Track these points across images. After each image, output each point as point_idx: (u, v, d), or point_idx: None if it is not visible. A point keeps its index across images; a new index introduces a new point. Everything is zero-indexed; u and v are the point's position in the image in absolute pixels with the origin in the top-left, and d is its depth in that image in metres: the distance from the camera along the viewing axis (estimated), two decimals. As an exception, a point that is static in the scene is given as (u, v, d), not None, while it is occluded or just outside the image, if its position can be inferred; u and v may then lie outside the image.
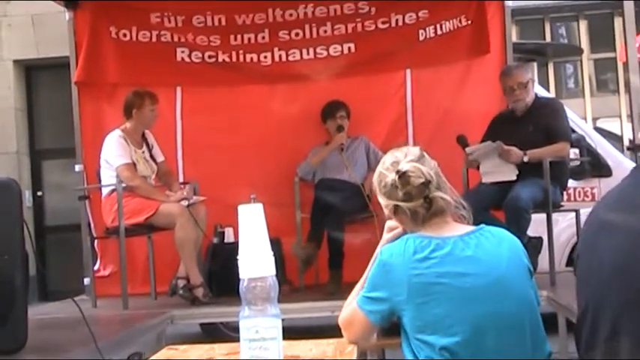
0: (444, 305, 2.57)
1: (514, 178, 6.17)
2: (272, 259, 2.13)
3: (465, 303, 2.57)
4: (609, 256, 2.19)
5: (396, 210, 2.81)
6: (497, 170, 6.28)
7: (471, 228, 2.75)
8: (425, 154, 2.85)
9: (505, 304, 2.60)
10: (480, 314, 2.57)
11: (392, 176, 2.77)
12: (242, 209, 2.14)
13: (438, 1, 7.52)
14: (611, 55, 18.12)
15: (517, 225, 5.82)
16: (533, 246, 5.98)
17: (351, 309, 2.79)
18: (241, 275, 2.11)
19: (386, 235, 2.93)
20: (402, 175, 2.74)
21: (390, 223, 2.93)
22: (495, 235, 2.73)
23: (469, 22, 7.49)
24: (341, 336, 2.84)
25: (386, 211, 2.87)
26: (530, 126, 6.30)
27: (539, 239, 6.17)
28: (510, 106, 6.54)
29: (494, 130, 6.52)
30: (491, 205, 6.15)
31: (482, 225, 2.76)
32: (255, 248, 2.12)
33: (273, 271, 2.13)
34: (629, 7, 5.87)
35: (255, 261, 2.11)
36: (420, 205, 2.74)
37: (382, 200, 2.86)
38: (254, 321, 2.09)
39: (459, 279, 2.59)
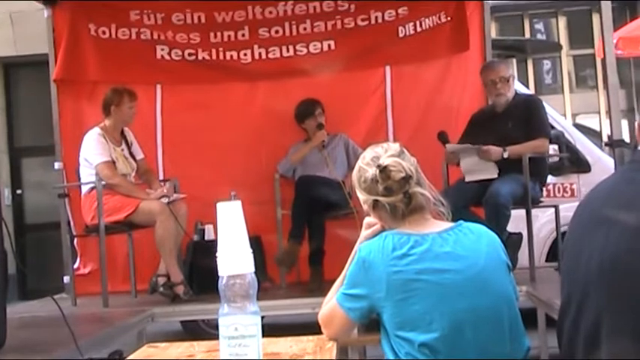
0: (424, 302, 2.58)
1: (495, 175, 6.19)
2: (251, 256, 2.13)
3: (444, 299, 2.58)
4: (597, 253, 2.19)
5: (376, 205, 2.81)
6: (478, 169, 6.29)
7: (450, 224, 2.75)
8: (405, 150, 2.85)
9: (484, 299, 2.61)
10: (459, 310, 2.58)
11: (372, 171, 2.77)
12: (220, 207, 2.14)
13: (418, -2, 7.54)
14: (589, 51, 18.19)
15: (497, 221, 5.85)
16: (512, 242, 6.00)
17: (331, 306, 2.79)
18: (220, 272, 2.12)
19: (364, 232, 2.92)
20: (383, 170, 2.75)
21: (368, 219, 2.93)
22: (474, 231, 2.74)
23: (448, 18, 7.50)
24: (321, 333, 2.85)
25: (365, 207, 2.87)
26: (509, 122, 6.33)
27: (519, 235, 6.20)
28: (491, 100, 6.57)
29: (473, 127, 6.54)
30: (471, 202, 6.17)
31: (460, 221, 2.77)
32: (234, 245, 2.12)
33: (252, 269, 2.13)
34: (606, 4, 5.90)
35: (234, 258, 2.11)
36: (399, 200, 2.74)
37: (361, 196, 2.85)
38: (233, 318, 2.09)
39: (438, 275, 2.59)
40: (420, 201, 2.76)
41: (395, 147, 2.84)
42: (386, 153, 2.80)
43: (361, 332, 4.38)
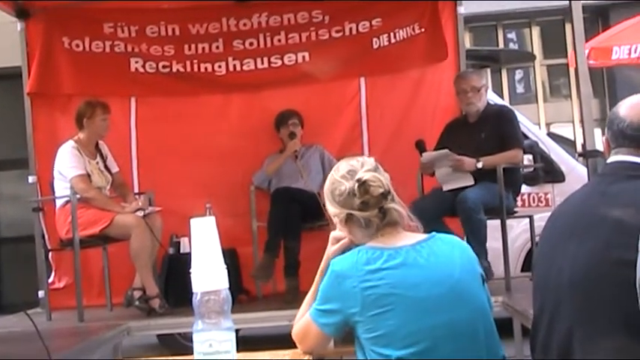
0: (399, 316, 2.57)
1: (471, 183, 6.21)
2: (225, 272, 2.13)
3: (420, 313, 2.57)
4: (568, 265, 2.20)
5: (349, 219, 2.78)
6: (453, 178, 6.32)
7: (423, 236, 2.75)
8: (379, 165, 2.84)
9: (459, 312, 2.61)
10: (435, 324, 2.57)
11: (349, 184, 2.75)
12: (194, 222, 2.14)
13: (392, 9, 7.56)
14: (563, 61, 18.24)
15: (471, 228, 5.89)
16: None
17: (305, 322, 2.78)
18: (194, 289, 2.11)
19: (331, 247, 2.90)
20: (362, 184, 2.72)
21: (334, 233, 2.90)
22: (446, 242, 2.74)
23: (422, 29, 7.53)
24: (296, 346, 2.85)
25: (335, 220, 2.85)
26: (482, 133, 6.36)
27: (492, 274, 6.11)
28: (463, 109, 6.61)
29: (447, 137, 6.57)
30: (445, 212, 6.18)
31: (433, 233, 2.77)
32: (208, 261, 2.12)
33: (227, 284, 2.13)
34: (577, 13, 5.95)
35: (208, 274, 2.11)
36: (374, 215, 2.73)
37: (333, 209, 2.82)
38: (208, 334, 2.09)
39: (412, 289, 2.59)
40: (394, 217, 2.74)
41: (370, 162, 2.83)
42: (362, 167, 2.78)
43: (338, 343, 4.38)
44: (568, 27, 17.79)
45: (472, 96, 6.43)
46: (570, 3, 5.95)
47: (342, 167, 2.84)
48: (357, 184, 2.73)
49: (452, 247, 2.73)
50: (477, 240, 5.77)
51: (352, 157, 2.88)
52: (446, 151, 6.27)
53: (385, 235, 2.74)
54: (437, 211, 6.01)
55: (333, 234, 2.92)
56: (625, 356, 2.09)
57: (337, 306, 2.65)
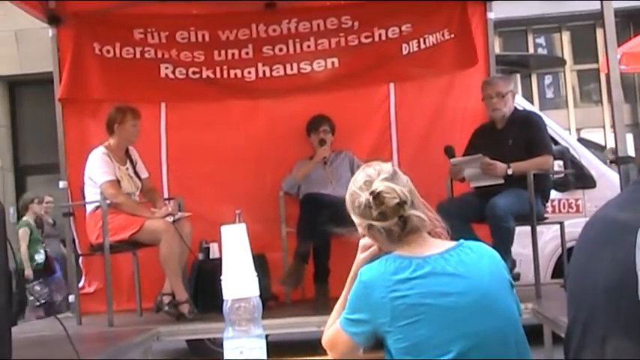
0: (429, 326, 2.55)
1: (501, 181, 6.18)
2: (256, 280, 2.13)
3: (450, 323, 2.55)
4: (603, 273, 2.18)
5: (371, 228, 2.77)
6: (483, 177, 6.31)
7: (451, 244, 2.72)
8: (397, 170, 2.81)
9: (490, 321, 2.59)
10: (465, 333, 2.55)
11: (365, 196, 2.73)
12: (225, 230, 2.14)
13: (421, 14, 7.55)
14: (593, 66, 18.18)
15: (499, 235, 5.87)
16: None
17: (334, 330, 2.77)
18: (225, 296, 2.11)
19: (360, 255, 2.90)
20: (377, 196, 2.70)
21: (363, 241, 2.90)
22: (475, 250, 2.71)
23: (452, 35, 7.51)
24: (326, 352, 2.84)
25: (360, 229, 2.84)
26: (510, 139, 6.34)
27: (517, 276, 6.11)
28: (489, 114, 6.59)
29: (474, 143, 6.55)
30: (474, 217, 6.16)
31: (461, 241, 2.75)
32: (239, 269, 2.12)
33: (257, 292, 2.13)
34: (609, 18, 5.90)
35: (239, 282, 2.11)
36: (394, 224, 2.70)
37: (355, 219, 2.81)
38: (238, 342, 2.09)
39: (442, 299, 2.57)
40: (415, 223, 2.71)
41: (387, 168, 2.80)
42: (379, 176, 2.75)
43: (366, 350, 4.37)
44: (599, 32, 17.70)
45: (497, 102, 6.41)
46: (602, 3, 5.91)
47: (359, 177, 2.81)
48: (371, 197, 2.71)
49: (480, 255, 2.71)
50: (504, 247, 5.74)
51: (370, 164, 2.86)
52: (479, 155, 6.25)
53: (411, 243, 2.72)
54: (463, 215, 5.98)
55: (362, 242, 2.92)
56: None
57: (366, 316, 2.64)
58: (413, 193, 2.76)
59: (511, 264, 5.98)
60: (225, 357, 2.10)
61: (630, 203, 2.28)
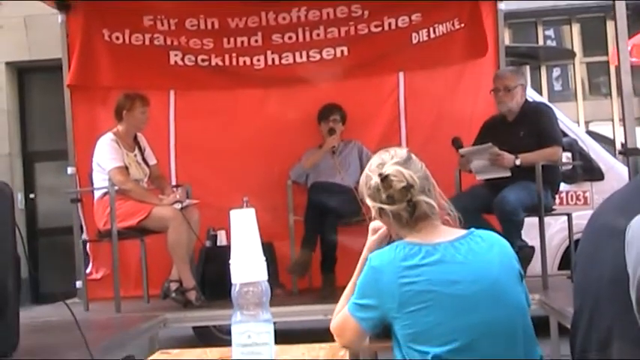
0: (436, 313, 2.56)
1: (508, 174, 6.17)
2: (264, 264, 2.13)
3: (458, 311, 2.56)
4: (609, 265, 2.18)
5: (381, 211, 2.79)
6: (490, 169, 6.30)
7: (461, 232, 2.73)
8: (412, 155, 2.82)
9: (498, 311, 2.59)
10: (473, 322, 2.56)
11: (375, 178, 2.76)
12: (234, 214, 2.14)
13: (431, 3, 7.52)
14: (603, 58, 18.13)
15: (508, 228, 5.85)
16: (524, 255, 5.96)
17: (343, 316, 2.78)
18: (233, 280, 2.11)
19: (371, 237, 2.93)
20: (385, 179, 2.73)
21: (374, 224, 2.92)
22: (485, 239, 2.71)
23: (462, 25, 7.49)
24: (334, 339, 2.84)
25: (372, 213, 2.86)
26: (521, 131, 6.32)
27: (532, 249, 6.15)
28: (497, 106, 6.57)
29: (485, 135, 6.52)
30: (483, 208, 6.15)
31: (472, 229, 2.75)
32: (248, 253, 2.12)
33: (266, 276, 2.13)
34: (620, 10, 5.88)
35: (248, 266, 2.11)
36: (402, 208, 2.72)
37: (368, 201, 2.84)
38: (246, 326, 2.09)
39: (450, 286, 2.57)
40: (424, 209, 2.73)
41: (402, 153, 2.82)
42: (391, 160, 2.78)
43: (373, 338, 4.37)
44: (609, 24, 17.68)
45: (503, 95, 6.40)
46: (614, 3, 5.90)
47: (374, 161, 2.85)
48: (380, 179, 2.74)
49: (491, 244, 2.71)
50: (513, 237, 5.73)
51: (387, 149, 2.87)
52: (489, 144, 6.23)
53: (422, 230, 2.73)
54: (475, 207, 5.98)
55: (372, 224, 2.94)
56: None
57: (375, 302, 2.65)
58: (426, 179, 2.77)
59: (522, 242, 6.02)
60: (233, 341, 2.10)
61: (636, 194, 2.28)
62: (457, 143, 6.49)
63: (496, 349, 2.57)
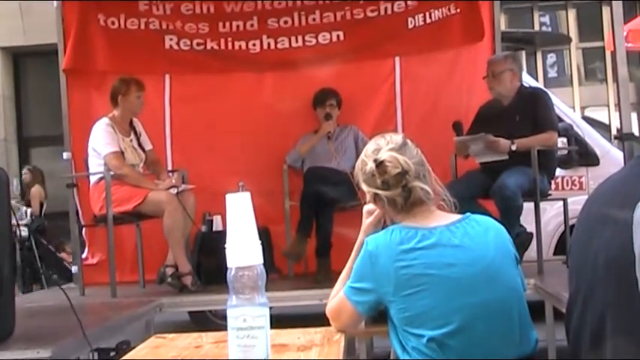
0: (432, 296, 2.57)
1: (506, 157, 6.17)
2: (260, 248, 2.13)
3: (453, 294, 2.57)
4: (604, 248, 2.18)
5: (376, 197, 2.81)
6: (488, 152, 6.30)
7: (457, 217, 2.74)
8: (408, 141, 2.83)
9: (493, 293, 2.60)
10: (468, 304, 2.57)
11: (370, 164, 2.77)
12: (230, 198, 2.14)
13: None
14: (599, 44, 18.17)
15: (507, 213, 5.86)
16: (522, 241, 5.97)
17: (339, 299, 2.79)
18: (229, 264, 2.12)
19: (366, 220, 2.94)
20: (380, 165, 2.74)
21: (367, 207, 2.94)
22: (481, 223, 2.73)
23: (458, 10, 7.47)
24: (329, 324, 2.85)
25: (368, 197, 2.87)
26: (517, 116, 6.32)
27: (530, 234, 6.17)
28: (489, 92, 6.59)
29: (481, 120, 6.53)
30: (479, 194, 6.16)
31: (467, 213, 2.76)
32: (243, 237, 2.12)
33: (261, 260, 2.13)
34: (617, -4, 5.87)
35: (243, 250, 2.11)
36: (397, 194, 2.73)
37: (364, 187, 2.85)
38: (242, 310, 2.10)
39: (446, 269, 2.58)
40: (419, 195, 2.74)
41: (397, 139, 2.82)
42: (387, 146, 2.79)
43: (369, 323, 4.38)
44: (605, 10, 17.66)
45: (491, 80, 6.42)
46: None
47: (370, 146, 2.86)
48: (375, 165, 2.74)
49: (486, 228, 2.72)
50: (512, 223, 5.74)
51: (383, 134, 2.88)
52: (482, 134, 6.23)
53: (418, 214, 2.74)
54: (471, 192, 5.99)
55: (365, 207, 2.96)
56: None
57: (371, 285, 2.66)
58: (421, 165, 2.78)
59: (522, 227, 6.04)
60: (229, 325, 2.10)
61: (630, 178, 2.28)
62: (458, 127, 6.49)
63: (492, 332, 2.58)
